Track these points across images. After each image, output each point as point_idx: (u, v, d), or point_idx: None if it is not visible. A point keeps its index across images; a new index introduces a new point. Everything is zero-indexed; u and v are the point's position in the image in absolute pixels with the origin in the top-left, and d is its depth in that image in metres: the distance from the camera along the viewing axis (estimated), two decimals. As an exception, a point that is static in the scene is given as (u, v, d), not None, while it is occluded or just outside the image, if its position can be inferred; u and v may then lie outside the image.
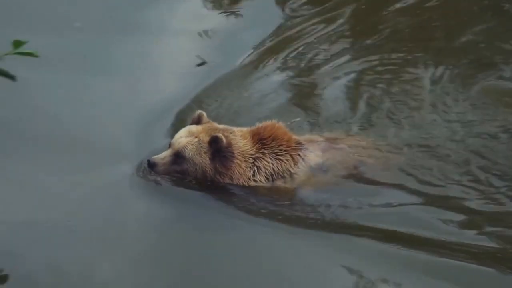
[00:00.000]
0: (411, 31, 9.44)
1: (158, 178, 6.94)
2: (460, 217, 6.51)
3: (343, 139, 7.21)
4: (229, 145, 6.81)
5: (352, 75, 8.57)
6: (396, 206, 6.67)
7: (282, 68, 8.79)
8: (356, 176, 6.93)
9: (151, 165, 6.91)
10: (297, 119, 7.67)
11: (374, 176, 6.94)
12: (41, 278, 5.95)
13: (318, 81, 8.55)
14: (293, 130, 7.27)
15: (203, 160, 6.83)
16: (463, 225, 6.44)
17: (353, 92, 8.28)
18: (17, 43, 4.54)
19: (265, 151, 6.90)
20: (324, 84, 8.45)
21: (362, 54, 8.93)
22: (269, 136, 6.92)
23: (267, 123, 7.02)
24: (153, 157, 6.92)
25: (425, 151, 7.21)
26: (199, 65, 8.84)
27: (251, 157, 6.87)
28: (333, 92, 8.27)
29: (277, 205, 6.77)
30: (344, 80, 8.47)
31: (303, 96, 8.30)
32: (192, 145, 6.83)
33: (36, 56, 4.55)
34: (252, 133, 6.96)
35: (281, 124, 7.01)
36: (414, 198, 6.75)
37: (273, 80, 8.53)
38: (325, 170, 6.90)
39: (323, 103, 8.11)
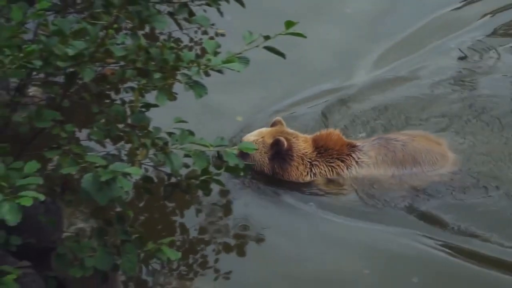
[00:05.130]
0: None
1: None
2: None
3: (400, 134, 7.71)
4: (290, 147, 7.52)
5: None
6: (448, 208, 7.21)
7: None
8: (406, 175, 7.48)
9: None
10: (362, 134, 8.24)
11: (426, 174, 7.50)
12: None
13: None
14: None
15: (263, 159, 7.53)
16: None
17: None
18: (289, 24, 4.96)
19: (319, 159, 7.58)
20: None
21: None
22: (322, 146, 7.60)
23: (324, 131, 7.70)
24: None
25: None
26: (461, 58, 9.16)
27: (308, 161, 7.56)
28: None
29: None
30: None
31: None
32: (256, 143, 7.45)
33: (304, 37, 4.98)
34: (312, 139, 7.65)
35: (337, 131, 7.66)
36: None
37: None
38: (376, 172, 7.53)
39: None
